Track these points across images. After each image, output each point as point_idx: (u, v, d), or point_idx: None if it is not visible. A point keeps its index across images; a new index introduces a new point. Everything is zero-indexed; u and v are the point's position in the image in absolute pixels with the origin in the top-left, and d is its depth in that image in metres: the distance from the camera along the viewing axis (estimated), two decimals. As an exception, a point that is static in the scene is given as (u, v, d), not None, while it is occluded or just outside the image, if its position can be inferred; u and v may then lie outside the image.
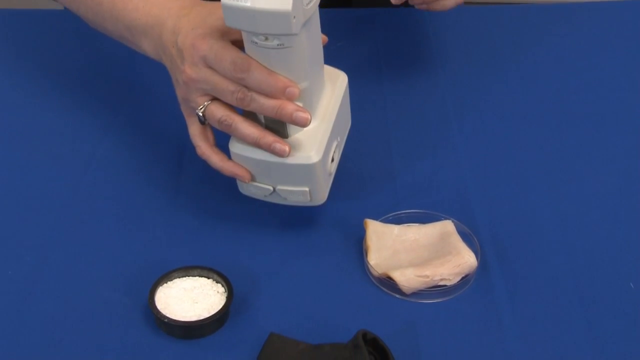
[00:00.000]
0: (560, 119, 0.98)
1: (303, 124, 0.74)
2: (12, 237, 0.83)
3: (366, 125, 0.96)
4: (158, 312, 0.74)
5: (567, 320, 0.76)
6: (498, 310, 0.77)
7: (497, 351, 0.73)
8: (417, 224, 0.84)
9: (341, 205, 0.87)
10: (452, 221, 0.83)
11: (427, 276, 0.78)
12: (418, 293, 0.78)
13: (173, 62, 0.77)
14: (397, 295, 0.78)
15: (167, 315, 0.74)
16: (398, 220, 0.85)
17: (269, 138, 0.75)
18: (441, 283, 0.78)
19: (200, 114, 0.76)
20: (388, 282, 0.78)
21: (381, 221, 0.84)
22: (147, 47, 0.81)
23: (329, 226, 0.85)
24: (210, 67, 0.74)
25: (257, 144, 0.75)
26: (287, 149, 0.74)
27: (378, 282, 0.79)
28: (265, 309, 0.77)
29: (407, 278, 0.77)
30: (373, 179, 0.91)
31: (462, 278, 0.79)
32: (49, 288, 0.79)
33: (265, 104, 0.73)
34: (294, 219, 0.86)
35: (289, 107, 0.73)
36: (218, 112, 0.76)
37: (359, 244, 0.83)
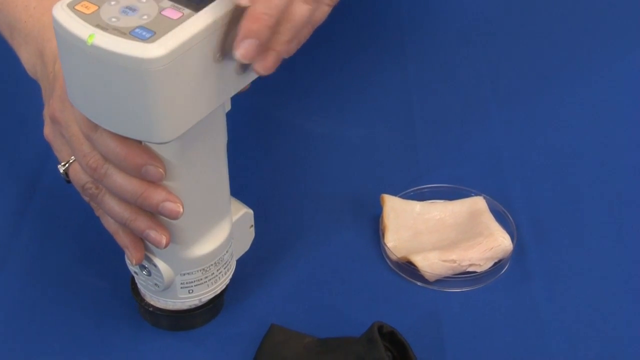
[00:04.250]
0: (613, 87, 0.98)
1: (172, 217, 0.66)
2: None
3: (383, 84, 0.97)
4: (141, 299, 0.75)
5: (615, 314, 0.76)
6: (535, 302, 0.77)
7: (534, 349, 0.74)
8: (442, 201, 0.85)
9: (354, 178, 0.88)
10: (484, 197, 0.84)
11: (454, 261, 0.78)
12: (443, 280, 0.79)
13: (47, 87, 0.71)
14: (419, 283, 0.79)
15: (152, 303, 0.74)
16: (420, 196, 0.85)
17: (142, 222, 0.67)
18: (470, 269, 0.79)
19: (62, 172, 0.69)
20: (408, 268, 0.79)
21: (400, 197, 0.85)
22: (23, 55, 0.74)
23: (340, 202, 0.86)
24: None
25: (127, 227, 0.68)
26: (164, 240, 0.67)
27: (396, 268, 0.80)
28: (266, 296, 0.78)
29: (430, 263, 0.78)
30: (391, 147, 0.92)
31: (495, 264, 0.79)
32: (16, 268, 0.80)
33: (124, 186, 0.65)
34: (299, 192, 0.87)
35: (155, 195, 0.65)
36: (84, 175, 0.67)
37: (375, 223, 0.84)
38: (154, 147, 0.64)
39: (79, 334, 0.75)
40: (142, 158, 0.64)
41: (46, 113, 0.70)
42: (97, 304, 0.77)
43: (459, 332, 0.75)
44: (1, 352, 0.74)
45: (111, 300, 0.78)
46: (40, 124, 0.71)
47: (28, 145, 0.91)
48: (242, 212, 0.75)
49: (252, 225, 0.77)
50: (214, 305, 0.75)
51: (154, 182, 0.65)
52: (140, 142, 0.64)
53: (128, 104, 0.59)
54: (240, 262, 0.77)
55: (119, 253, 0.72)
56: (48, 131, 0.70)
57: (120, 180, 0.65)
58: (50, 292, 0.79)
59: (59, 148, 0.70)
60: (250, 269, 0.79)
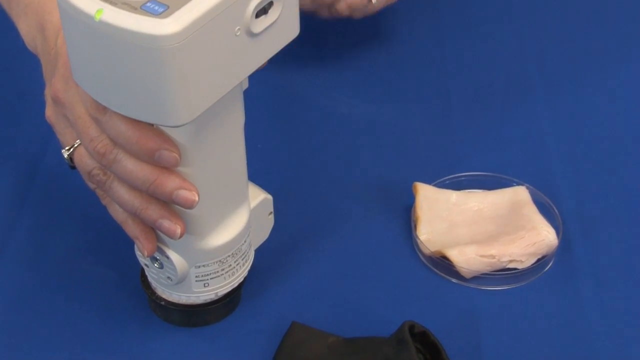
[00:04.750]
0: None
1: (187, 205, 0.65)
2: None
3: (417, 60, 0.96)
4: (152, 292, 0.74)
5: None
6: (582, 303, 0.77)
7: (580, 354, 0.73)
8: (480, 190, 0.84)
9: (383, 164, 0.88)
10: (527, 187, 0.83)
11: (493, 256, 0.78)
12: (480, 277, 0.78)
13: (48, 65, 0.70)
14: (454, 280, 0.78)
15: (163, 296, 0.74)
16: (457, 185, 0.85)
17: (154, 211, 0.66)
18: (510, 265, 0.78)
19: (66, 157, 0.68)
20: (442, 263, 0.78)
21: (435, 185, 0.84)
22: (22, 27, 0.74)
23: (368, 190, 0.86)
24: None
25: (138, 216, 0.67)
26: (178, 230, 0.67)
27: (429, 263, 0.79)
28: (286, 291, 0.78)
29: (467, 258, 0.77)
30: (425, 130, 0.92)
31: (538, 260, 0.79)
32: (16, 258, 0.80)
33: (135, 172, 0.64)
34: (323, 178, 0.87)
35: (169, 182, 0.64)
36: (90, 160, 0.66)
37: (407, 214, 0.83)
38: (167, 131, 0.63)
39: (83, 329, 0.75)
40: (155, 142, 0.63)
41: (48, 93, 0.69)
42: (103, 296, 0.77)
43: (497, 334, 0.75)
44: (0, 347, 0.74)
45: (118, 293, 0.77)
46: (41, 104, 0.71)
47: (28, 126, 0.91)
48: (260, 198, 0.74)
49: (271, 212, 0.76)
50: (230, 300, 0.75)
51: (168, 168, 0.64)
52: (152, 124, 0.63)
53: (140, 85, 0.58)
54: (259, 253, 0.76)
55: (128, 241, 0.71)
56: (50, 113, 0.69)
57: (130, 166, 0.64)
58: (52, 284, 0.78)
59: (62, 131, 0.68)
60: (270, 261, 0.79)
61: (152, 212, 0.66)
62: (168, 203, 0.66)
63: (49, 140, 0.86)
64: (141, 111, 0.60)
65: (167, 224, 0.66)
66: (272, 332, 0.74)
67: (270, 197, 0.75)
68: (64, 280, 0.78)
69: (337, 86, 0.97)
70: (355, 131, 0.92)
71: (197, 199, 0.65)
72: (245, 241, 0.72)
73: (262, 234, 0.76)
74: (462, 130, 0.91)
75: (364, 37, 1.01)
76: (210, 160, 0.66)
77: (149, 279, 0.74)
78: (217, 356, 0.74)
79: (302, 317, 0.74)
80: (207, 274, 0.71)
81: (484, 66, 0.98)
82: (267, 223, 0.76)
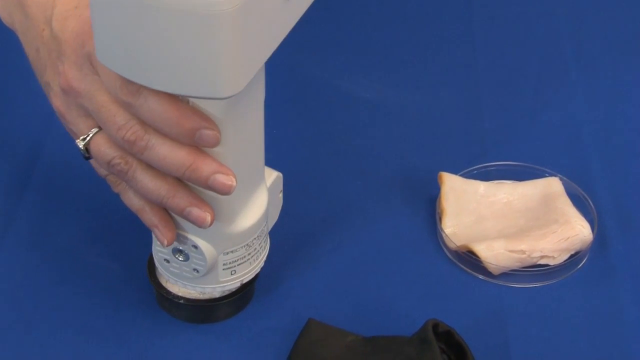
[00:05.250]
0: None
1: (224, 191, 0.65)
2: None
3: (443, 41, 0.96)
4: (159, 285, 0.74)
5: None
6: (617, 302, 0.77)
7: (615, 356, 0.73)
8: (510, 181, 0.84)
9: (407, 153, 0.88)
10: (560, 179, 0.83)
11: (523, 252, 0.77)
12: (509, 274, 0.78)
13: (43, 50, 0.68)
14: (481, 276, 0.78)
15: (173, 290, 0.74)
16: (485, 175, 0.85)
17: (182, 199, 0.66)
18: (542, 261, 0.78)
19: (82, 147, 0.67)
20: (469, 258, 0.78)
21: (462, 176, 0.84)
22: None
23: (391, 180, 0.86)
24: (97, 74, 0.64)
25: (164, 205, 0.67)
26: (208, 217, 0.66)
27: (455, 258, 0.79)
28: (302, 287, 0.78)
29: (495, 253, 0.77)
30: (452, 118, 0.91)
31: (571, 256, 0.79)
32: (16, 248, 0.81)
33: (168, 157, 0.63)
34: (343, 167, 0.86)
35: (205, 167, 0.64)
36: (110, 149, 0.65)
37: (431, 206, 0.83)
38: (204, 108, 0.62)
39: (87, 324, 0.75)
40: (195, 121, 0.62)
41: (52, 81, 0.67)
42: (108, 289, 0.77)
43: (526, 334, 0.75)
44: (0, 340, 0.74)
45: (124, 286, 0.77)
46: (40, 87, 0.70)
47: (28, 111, 0.91)
48: (274, 176, 0.74)
49: (281, 191, 0.76)
50: (244, 294, 0.75)
51: (203, 152, 0.63)
52: (188, 103, 0.62)
53: (188, 55, 0.57)
54: (274, 246, 0.76)
55: (136, 230, 0.71)
56: (59, 102, 0.68)
57: (164, 151, 0.63)
58: (55, 276, 0.78)
59: (75, 120, 0.67)
60: (285, 254, 0.79)
61: (180, 199, 0.65)
62: (195, 189, 0.66)
63: (50, 126, 0.87)
64: (187, 85, 0.59)
65: (196, 211, 0.66)
66: (287, 330, 0.74)
67: (281, 174, 0.75)
68: (68, 273, 0.78)
69: (359, 70, 0.97)
70: (378, 117, 0.92)
71: (235, 184, 0.64)
72: (265, 222, 0.72)
73: (274, 214, 0.76)
74: (491, 116, 0.91)
75: (388, 17, 1.01)
76: (240, 138, 0.66)
77: (164, 274, 0.73)
78: (229, 355, 0.74)
79: (319, 314, 0.74)
80: (235, 260, 0.71)
81: (515, 48, 0.98)
82: (278, 202, 0.76)
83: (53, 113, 0.69)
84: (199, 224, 0.66)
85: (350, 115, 0.92)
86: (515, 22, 1.01)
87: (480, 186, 0.83)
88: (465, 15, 1.01)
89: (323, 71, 0.96)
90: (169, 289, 0.74)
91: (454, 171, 0.84)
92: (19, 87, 0.94)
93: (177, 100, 0.62)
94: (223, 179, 0.64)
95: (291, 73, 0.95)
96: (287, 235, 0.79)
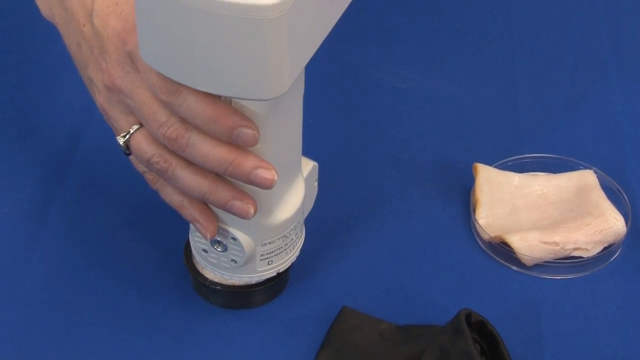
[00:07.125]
0: None
1: (266, 186, 0.66)
2: (19, 172, 0.86)
3: (480, 32, 0.96)
4: (196, 271, 0.75)
5: None
6: (652, 295, 0.76)
7: (647, 350, 0.73)
8: (545, 173, 0.85)
9: (442, 143, 0.88)
10: (595, 171, 0.84)
11: (557, 243, 0.78)
12: (543, 265, 0.78)
13: (83, 45, 0.69)
14: (514, 267, 0.79)
15: (208, 276, 0.75)
16: (520, 167, 0.85)
17: (224, 193, 0.67)
18: (575, 253, 0.78)
19: (122, 144, 0.68)
20: (502, 249, 0.79)
21: (496, 167, 0.85)
22: None
23: (425, 170, 0.86)
24: (139, 71, 0.65)
25: (206, 201, 0.68)
26: (251, 209, 0.67)
27: (489, 248, 0.80)
28: (337, 274, 0.78)
29: (529, 245, 0.78)
30: (487, 108, 0.92)
31: (605, 248, 0.79)
32: (54, 233, 0.82)
33: (210, 154, 0.64)
34: (378, 156, 0.87)
35: (247, 162, 0.65)
36: (149, 147, 0.66)
37: (466, 196, 0.84)
38: (243, 107, 0.63)
39: (122, 309, 0.76)
40: (233, 120, 0.63)
41: (95, 77, 0.68)
42: (143, 274, 0.78)
43: (559, 326, 0.75)
44: (37, 324, 0.75)
45: (160, 271, 0.78)
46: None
47: (70, 97, 0.92)
48: (310, 166, 0.75)
49: (317, 180, 0.77)
50: (279, 281, 0.75)
51: (243, 148, 0.64)
52: (229, 102, 0.63)
53: (234, 57, 0.58)
54: (309, 234, 0.77)
55: (172, 216, 0.71)
56: (102, 99, 0.69)
57: (205, 148, 0.64)
58: (91, 261, 0.79)
59: (116, 117, 0.68)
60: (319, 242, 0.80)
61: (222, 194, 0.67)
62: (234, 182, 0.67)
63: (90, 113, 0.88)
64: (232, 86, 0.60)
65: (239, 204, 0.67)
66: (321, 317, 0.75)
67: (317, 164, 0.76)
68: (103, 256, 0.79)
69: (394, 59, 0.97)
70: (413, 107, 0.92)
71: (276, 178, 0.65)
72: (302, 213, 0.73)
73: (309, 203, 0.77)
74: (527, 108, 0.91)
75: (426, 8, 1.01)
76: (280, 134, 0.67)
77: (202, 264, 0.74)
78: (263, 341, 0.74)
79: (353, 301, 0.75)
80: (272, 251, 0.72)
81: (552, 38, 0.98)
82: (313, 191, 0.77)
83: (92, 102, 0.70)
84: (242, 216, 0.67)
85: (386, 105, 0.92)
86: (554, 13, 1.00)
87: (515, 177, 0.83)
88: (503, 6, 1.01)
89: (360, 61, 0.97)
90: (205, 275, 0.75)
91: (489, 162, 0.84)
92: (59, 76, 0.95)
93: (216, 99, 0.63)
94: (265, 173, 0.65)
95: (328, 63, 0.95)
96: (322, 223, 0.80)
